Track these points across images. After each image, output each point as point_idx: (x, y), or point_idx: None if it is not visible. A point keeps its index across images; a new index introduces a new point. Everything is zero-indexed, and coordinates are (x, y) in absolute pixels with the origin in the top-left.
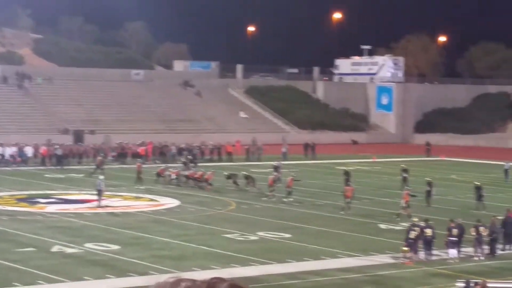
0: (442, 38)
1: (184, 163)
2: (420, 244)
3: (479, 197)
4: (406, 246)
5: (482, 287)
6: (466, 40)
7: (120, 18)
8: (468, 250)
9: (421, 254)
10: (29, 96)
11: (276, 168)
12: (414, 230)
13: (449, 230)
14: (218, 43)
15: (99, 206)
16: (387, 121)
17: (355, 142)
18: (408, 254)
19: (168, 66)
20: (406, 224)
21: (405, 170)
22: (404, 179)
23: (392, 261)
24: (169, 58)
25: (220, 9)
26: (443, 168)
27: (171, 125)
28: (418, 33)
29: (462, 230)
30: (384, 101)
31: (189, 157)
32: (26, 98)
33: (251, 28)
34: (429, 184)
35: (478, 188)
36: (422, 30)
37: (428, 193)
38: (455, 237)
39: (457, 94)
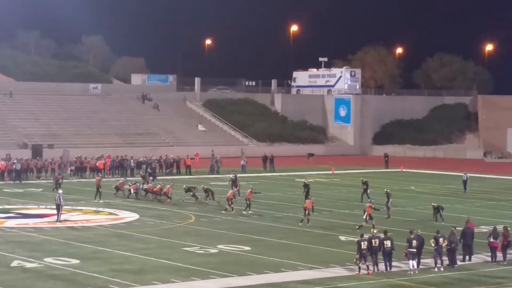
0: (399, 50)
1: (143, 177)
2: (380, 255)
3: (438, 214)
4: (358, 258)
5: None
6: (423, 52)
7: (77, 32)
8: (428, 261)
9: (381, 266)
10: None
11: (233, 181)
12: (365, 241)
13: (409, 241)
14: (175, 57)
15: (58, 221)
16: (345, 133)
17: (311, 155)
18: (360, 264)
19: (126, 80)
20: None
21: (365, 183)
22: (365, 191)
23: (351, 273)
24: (126, 72)
25: (177, 23)
26: (402, 180)
27: (129, 138)
28: (375, 44)
29: (421, 242)
30: (342, 113)
31: (149, 170)
32: None
33: (208, 41)
34: (387, 195)
35: (436, 209)
36: (379, 42)
37: (387, 204)
38: (414, 249)
39: (415, 106)
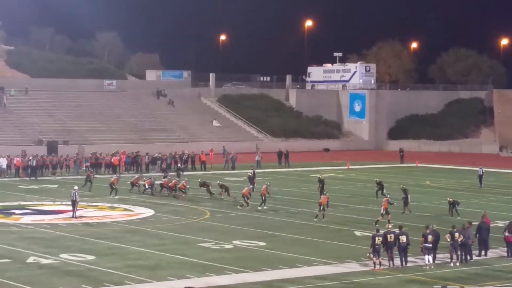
0: (414, 45)
1: (164, 170)
2: (395, 251)
3: (453, 209)
4: (372, 252)
5: None
6: (438, 46)
7: (91, 28)
8: (443, 256)
9: (396, 261)
10: (2, 107)
11: (250, 178)
12: (380, 236)
13: (424, 236)
14: (190, 52)
15: (74, 217)
16: (360, 128)
17: (327, 150)
18: (374, 259)
19: (141, 76)
20: (382, 231)
21: (379, 183)
22: (380, 189)
23: (367, 268)
24: (141, 68)
25: (192, 19)
26: (417, 175)
27: (144, 134)
28: (390, 39)
29: (437, 237)
30: (357, 108)
31: (163, 166)
32: None
33: (222, 37)
34: (404, 191)
35: (452, 204)
36: (394, 37)
37: (405, 200)
38: (430, 244)
39: (430, 100)
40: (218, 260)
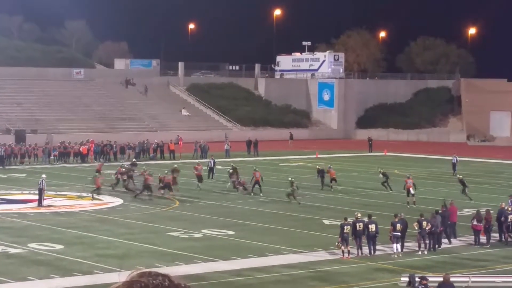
0: (382, 34)
1: (133, 164)
2: (364, 239)
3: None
4: (340, 241)
5: (445, 279)
6: (406, 36)
7: (60, 16)
8: (411, 244)
9: (365, 250)
10: None
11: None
12: (348, 225)
13: (393, 225)
14: (158, 41)
15: (41, 205)
16: (329, 117)
17: (291, 138)
18: (343, 248)
19: (109, 65)
20: (351, 220)
21: (384, 174)
22: (386, 180)
23: (335, 257)
24: (109, 56)
25: (160, 7)
26: (386, 163)
27: (113, 123)
28: (358, 28)
29: (405, 225)
30: (326, 97)
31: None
32: None
33: (191, 26)
34: (462, 182)
35: (462, 182)
36: (362, 26)
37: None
38: (398, 232)
39: (398, 89)
40: (187, 249)
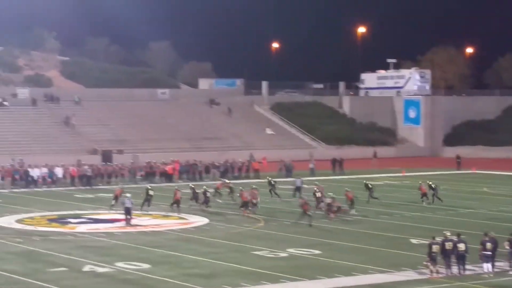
0: (469, 50)
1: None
2: (453, 258)
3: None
4: (428, 261)
5: None
6: (494, 51)
7: (144, 38)
8: (502, 264)
9: (454, 269)
10: (57, 117)
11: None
12: (437, 244)
13: (483, 244)
14: (242, 61)
15: (129, 225)
16: (415, 135)
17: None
18: (431, 267)
19: (193, 85)
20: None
21: (430, 186)
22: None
23: (423, 277)
24: (194, 76)
25: (244, 27)
26: (475, 181)
27: (197, 143)
28: (445, 45)
29: (496, 244)
30: (412, 114)
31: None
32: (54, 119)
33: (275, 45)
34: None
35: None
36: (449, 42)
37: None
38: (489, 251)
39: (486, 106)
40: (273, 268)
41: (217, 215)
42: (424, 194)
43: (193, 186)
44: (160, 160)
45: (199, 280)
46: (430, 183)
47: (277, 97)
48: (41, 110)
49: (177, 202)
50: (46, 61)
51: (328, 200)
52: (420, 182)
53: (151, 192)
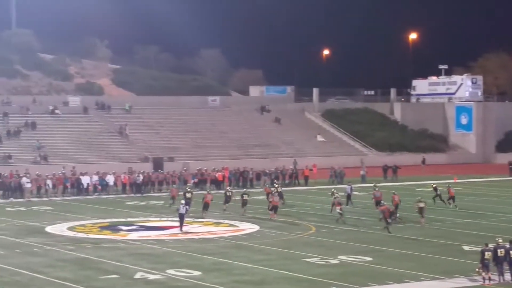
0: None
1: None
2: (506, 265)
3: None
4: (481, 268)
5: None
6: None
7: (195, 45)
8: None
9: (507, 276)
10: (109, 125)
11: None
12: (489, 251)
13: None
14: (293, 68)
15: (181, 231)
16: (467, 141)
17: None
18: (484, 274)
19: (244, 92)
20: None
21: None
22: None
23: (475, 283)
24: (244, 84)
25: (294, 34)
26: None
27: (249, 150)
28: (496, 51)
29: None
30: (464, 120)
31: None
32: (106, 127)
33: (325, 51)
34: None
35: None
36: (501, 48)
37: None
38: None
39: None
40: (324, 275)
41: (268, 221)
42: (451, 197)
43: (231, 190)
44: (211, 167)
45: (250, 287)
46: (434, 185)
47: (328, 104)
48: (92, 118)
49: (206, 205)
50: (97, 69)
51: (421, 205)
52: (448, 185)
53: (188, 195)
